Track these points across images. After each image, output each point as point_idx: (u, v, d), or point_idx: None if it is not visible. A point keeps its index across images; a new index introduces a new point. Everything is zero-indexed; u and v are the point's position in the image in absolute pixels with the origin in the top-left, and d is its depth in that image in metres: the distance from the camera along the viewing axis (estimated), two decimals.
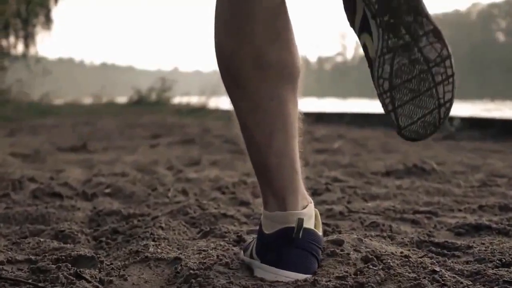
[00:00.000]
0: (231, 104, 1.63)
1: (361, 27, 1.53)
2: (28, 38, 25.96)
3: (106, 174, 3.48)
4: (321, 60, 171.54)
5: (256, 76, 1.55)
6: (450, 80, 1.46)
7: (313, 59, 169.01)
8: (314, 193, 2.77)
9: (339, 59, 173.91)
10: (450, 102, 1.47)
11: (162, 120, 11.06)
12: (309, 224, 1.59)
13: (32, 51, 26.18)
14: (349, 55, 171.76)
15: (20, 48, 26.09)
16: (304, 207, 1.60)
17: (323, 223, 2.01)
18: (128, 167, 4.35)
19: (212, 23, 1.60)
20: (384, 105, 1.49)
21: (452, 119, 8.25)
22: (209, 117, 11.74)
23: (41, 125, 9.88)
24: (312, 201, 1.65)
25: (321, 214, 2.10)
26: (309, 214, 1.60)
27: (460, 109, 12.01)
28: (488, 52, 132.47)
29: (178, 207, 2.46)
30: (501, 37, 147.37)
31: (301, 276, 1.54)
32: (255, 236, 1.76)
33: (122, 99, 20.46)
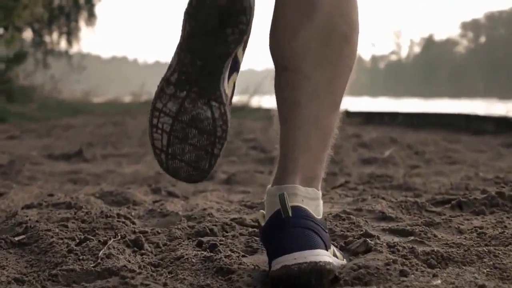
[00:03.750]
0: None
1: None
2: (71, 35, 25.49)
3: (59, 203, 2.39)
4: (375, 59, 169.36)
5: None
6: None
7: (367, 57, 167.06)
8: (346, 247, 1.69)
9: (393, 57, 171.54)
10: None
11: None
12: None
13: (75, 47, 25.68)
14: (404, 53, 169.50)
15: (63, 44, 25.65)
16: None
17: None
18: (111, 185, 3.38)
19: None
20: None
21: None
22: (249, 117, 10.77)
23: (62, 125, 9.00)
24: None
25: None
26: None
27: None
28: None
29: None
30: None
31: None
32: None
33: None
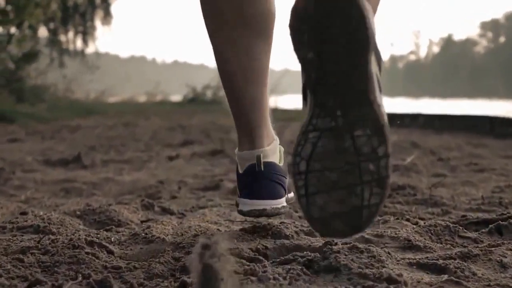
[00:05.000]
0: (215, 51, 1.81)
1: (303, 91, 1.35)
2: (87, 34, 25.30)
3: (26, 226, 2.02)
4: (393, 59, 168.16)
5: (238, 28, 1.72)
6: (381, 183, 1.24)
7: (386, 57, 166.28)
8: None
9: (412, 57, 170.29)
10: (377, 207, 1.25)
11: (211, 122, 9.78)
12: (273, 158, 1.86)
13: (91, 47, 25.49)
14: (422, 53, 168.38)
15: (79, 44, 25.46)
16: (269, 144, 1.87)
17: None
18: (106, 196, 3.06)
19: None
20: (296, 187, 1.31)
21: None
22: None
23: (70, 126, 8.70)
24: (277, 138, 1.94)
25: None
26: (272, 150, 1.87)
27: None
28: None
29: None
30: None
31: (270, 202, 1.80)
32: None
33: (178, 97, 19.48)
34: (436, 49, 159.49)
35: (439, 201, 2.73)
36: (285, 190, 1.86)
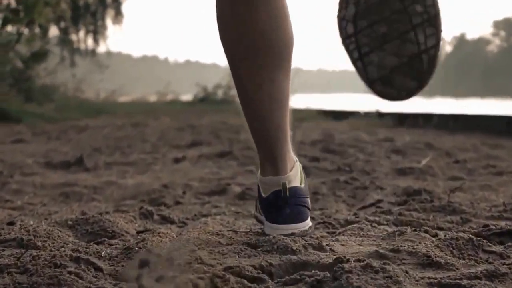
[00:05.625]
0: (237, 82, 1.79)
1: None
2: (98, 33, 25.22)
3: (8, 240, 1.83)
4: None
5: (262, 56, 1.68)
6: (433, 21, 1.21)
7: None
8: None
9: None
10: (435, 48, 1.23)
11: (221, 122, 9.62)
12: (296, 182, 1.87)
13: (102, 46, 25.37)
14: None
15: (89, 43, 25.39)
16: (291, 168, 1.87)
17: None
18: (107, 201, 2.91)
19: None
20: (348, 53, 1.29)
21: None
22: None
23: (78, 127, 8.56)
24: (297, 159, 1.93)
25: None
26: (294, 173, 1.87)
27: None
28: None
29: None
30: None
31: (298, 226, 1.84)
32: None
33: (188, 97, 19.33)
34: (448, 48, 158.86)
35: (458, 208, 2.55)
36: (309, 209, 1.90)
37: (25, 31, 13.55)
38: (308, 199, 1.91)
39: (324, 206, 2.85)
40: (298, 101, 15.38)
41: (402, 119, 9.35)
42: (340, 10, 1.25)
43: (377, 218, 2.27)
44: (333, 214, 2.52)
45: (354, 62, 1.29)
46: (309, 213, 1.90)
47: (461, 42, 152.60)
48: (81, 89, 16.02)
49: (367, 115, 10.48)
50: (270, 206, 1.85)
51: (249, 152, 4.84)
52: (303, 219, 1.86)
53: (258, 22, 1.66)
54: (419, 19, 1.22)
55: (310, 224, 1.90)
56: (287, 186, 1.82)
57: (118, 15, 25.77)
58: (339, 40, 1.21)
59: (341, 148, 5.38)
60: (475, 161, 4.62)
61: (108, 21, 25.62)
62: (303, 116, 10.37)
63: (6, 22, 13.12)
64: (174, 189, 3.39)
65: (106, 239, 1.88)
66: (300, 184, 1.89)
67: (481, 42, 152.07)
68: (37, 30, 14.33)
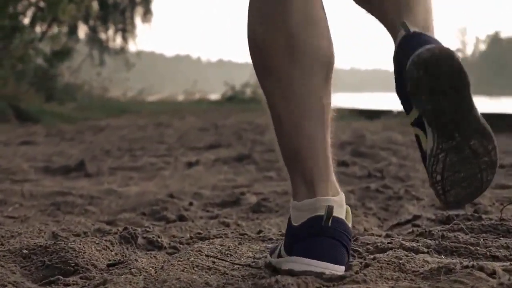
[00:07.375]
0: (264, 92, 1.63)
1: (415, 123, 1.55)
2: (126, 32, 24.98)
3: None
4: None
5: (289, 63, 1.55)
6: (493, 165, 1.52)
7: None
8: None
9: (459, 55, 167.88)
10: (491, 180, 1.53)
11: (247, 122, 9.22)
12: (339, 213, 1.55)
13: (131, 45, 25.15)
14: (469, 51, 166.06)
15: (118, 41, 25.15)
16: (335, 195, 1.57)
17: None
18: (102, 213, 2.51)
19: (246, 10, 1.60)
20: (435, 190, 1.51)
21: None
22: None
23: (97, 127, 8.21)
24: (343, 193, 1.61)
25: None
26: (339, 203, 1.57)
27: None
28: None
29: None
30: None
31: (331, 267, 1.50)
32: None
33: (217, 96, 19.04)
34: (482, 47, 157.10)
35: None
36: (348, 256, 1.57)
37: (51, 29, 13.29)
38: (351, 243, 1.60)
39: (352, 222, 2.42)
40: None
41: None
42: (431, 166, 1.50)
43: (414, 245, 1.81)
44: (361, 236, 2.08)
45: (438, 195, 1.51)
46: (347, 260, 1.56)
47: (495, 40, 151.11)
48: (107, 88, 15.71)
49: (400, 114, 10.02)
50: (301, 236, 1.53)
51: (270, 155, 4.42)
52: (338, 261, 1.52)
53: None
54: (485, 165, 1.51)
55: (344, 273, 1.51)
56: (332, 213, 1.52)
57: (147, 14, 25.52)
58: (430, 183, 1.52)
59: (373, 151, 4.94)
60: (508, 164, 4.15)
61: (137, 20, 25.38)
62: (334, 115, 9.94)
63: (34, 20, 12.87)
64: (180, 199, 3.00)
65: (61, 277, 1.45)
66: (346, 220, 1.57)
67: None
68: (61, 28, 14.08)
